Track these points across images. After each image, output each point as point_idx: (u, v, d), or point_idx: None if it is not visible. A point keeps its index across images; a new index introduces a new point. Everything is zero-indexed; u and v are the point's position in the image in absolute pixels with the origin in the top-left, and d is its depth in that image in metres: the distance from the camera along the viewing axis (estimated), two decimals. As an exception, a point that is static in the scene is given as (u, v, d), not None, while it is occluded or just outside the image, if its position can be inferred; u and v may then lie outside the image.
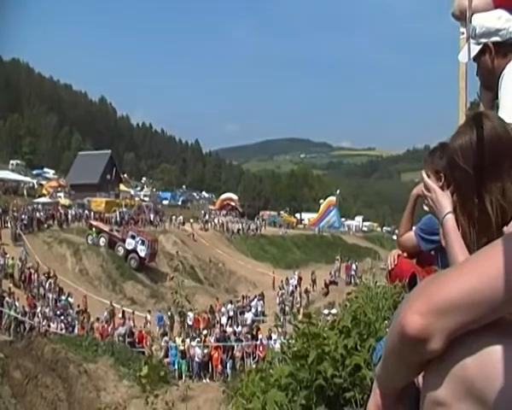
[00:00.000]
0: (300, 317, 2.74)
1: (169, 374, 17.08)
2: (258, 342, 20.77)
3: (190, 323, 25.75)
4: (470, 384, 0.80)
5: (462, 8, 2.46)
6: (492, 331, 0.82)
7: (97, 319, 25.93)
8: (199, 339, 21.83)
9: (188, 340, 21.71)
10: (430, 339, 0.82)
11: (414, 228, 3.05)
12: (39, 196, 53.35)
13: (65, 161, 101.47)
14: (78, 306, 28.17)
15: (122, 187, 72.60)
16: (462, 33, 2.56)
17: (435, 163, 3.01)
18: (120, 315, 26.30)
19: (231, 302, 30.11)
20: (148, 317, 27.10)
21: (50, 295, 28.87)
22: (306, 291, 33.99)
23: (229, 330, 24.13)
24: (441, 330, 0.81)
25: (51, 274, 31.12)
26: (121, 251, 37.99)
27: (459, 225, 1.43)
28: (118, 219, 46.43)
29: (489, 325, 0.82)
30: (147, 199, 67.18)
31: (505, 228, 1.26)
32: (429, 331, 0.81)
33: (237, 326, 25.32)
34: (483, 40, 2.19)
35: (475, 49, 2.20)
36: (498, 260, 0.82)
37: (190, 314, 26.03)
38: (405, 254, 3.05)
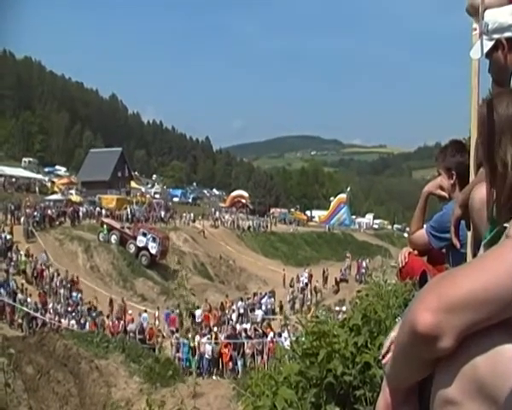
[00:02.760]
0: (310, 315, 2.74)
1: (180, 371, 17.15)
2: (269, 339, 20.76)
3: (199, 320, 25.84)
4: (481, 383, 0.80)
5: (475, 3, 2.44)
6: (503, 330, 0.82)
7: (107, 317, 26.10)
8: (209, 336, 21.87)
9: (197, 337, 21.76)
10: (441, 337, 0.81)
11: (425, 226, 3.04)
12: (51, 194, 53.75)
13: (76, 159, 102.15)
14: (89, 302, 28.39)
15: (133, 184, 72.86)
16: (475, 29, 2.53)
17: (447, 161, 2.99)
18: (130, 311, 26.47)
19: (241, 299, 30.15)
20: (157, 313, 27.24)
21: (62, 292, 29.10)
22: (315, 289, 33.95)
23: (239, 327, 24.16)
24: (452, 327, 0.81)
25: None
26: (132, 248, 38.17)
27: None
28: (129, 216, 46.64)
29: (500, 324, 0.82)
30: (157, 196, 67.39)
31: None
32: (440, 329, 0.81)
33: (247, 323, 25.35)
34: (496, 36, 2.17)
35: (488, 45, 2.18)
36: (506, 260, 0.82)
37: (198, 311, 26.19)
38: (416, 252, 3.04)
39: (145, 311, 26.65)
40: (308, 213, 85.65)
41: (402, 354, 0.90)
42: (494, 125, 1.37)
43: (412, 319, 0.83)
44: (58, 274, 30.91)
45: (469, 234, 2.09)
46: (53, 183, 62.55)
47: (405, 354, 0.89)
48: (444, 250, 2.92)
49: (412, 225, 3.10)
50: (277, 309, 30.94)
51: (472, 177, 2.20)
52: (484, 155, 1.42)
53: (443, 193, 2.99)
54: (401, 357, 0.91)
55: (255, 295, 33.38)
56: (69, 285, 30.15)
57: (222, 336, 22.23)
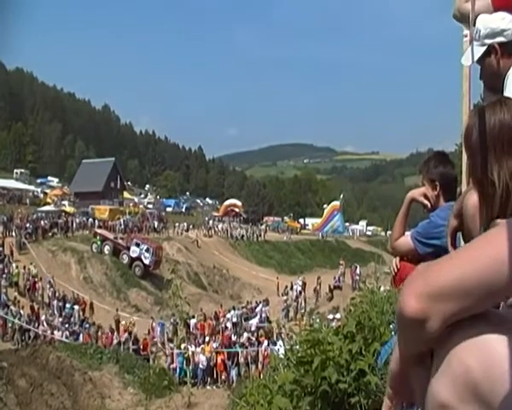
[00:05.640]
0: (304, 324, 2.73)
1: (174, 381, 17.05)
2: (263, 348, 20.71)
3: (194, 330, 25.74)
4: (475, 386, 0.81)
5: (463, 10, 2.45)
6: (497, 333, 0.82)
7: (99, 328, 25.89)
8: (203, 346, 21.79)
9: (192, 346, 21.67)
10: (427, 321, 0.84)
11: (408, 232, 3.04)
12: (43, 205, 53.55)
13: (69, 170, 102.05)
14: (84, 311, 28.25)
15: (126, 194, 72.71)
16: (465, 36, 2.55)
17: (430, 172, 3.03)
18: (124, 322, 26.32)
19: (234, 308, 30.07)
20: (153, 324, 27.12)
21: (55, 303, 28.89)
22: (305, 300, 33.93)
23: (233, 336, 24.10)
24: (438, 312, 0.84)
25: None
26: (126, 259, 38.04)
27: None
28: (122, 226, 46.50)
29: (493, 326, 0.83)
30: (151, 206, 67.29)
31: (498, 220, 1.28)
32: (425, 313, 0.84)
33: (242, 332, 25.27)
34: (488, 41, 2.18)
35: (480, 50, 2.20)
36: (494, 248, 0.84)
37: (193, 321, 26.09)
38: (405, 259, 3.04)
39: (133, 325, 26.52)
40: (301, 221, 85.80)
41: (400, 333, 0.93)
42: (478, 143, 1.38)
43: (400, 304, 0.87)
44: (51, 286, 30.70)
45: (462, 242, 2.09)
46: (45, 194, 62.35)
47: (401, 333, 0.93)
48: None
49: (394, 232, 3.10)
50: (272, 318, 30.88)
51: (464, 182, 2.21)
52: (472, 173, 1.44)
53: (426, 201, 3.00)
54: (400, 335, 0.94)
55: (248, 303, 33.37)
56: (61, 296, 29.79)
57: (215, 345, 22.13)
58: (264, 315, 30.20)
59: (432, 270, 0.86)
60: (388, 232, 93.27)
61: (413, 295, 0.84)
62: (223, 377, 20.91)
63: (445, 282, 0.84)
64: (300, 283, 35.61)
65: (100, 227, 44.36)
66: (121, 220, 47.77)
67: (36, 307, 27.98)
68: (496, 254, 0.82)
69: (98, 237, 39.15)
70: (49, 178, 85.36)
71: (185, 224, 55.06)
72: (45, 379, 14.96)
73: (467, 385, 0.81)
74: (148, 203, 71.15)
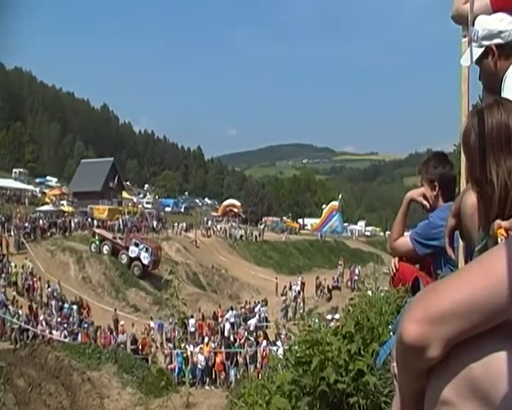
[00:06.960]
0: (302, 324, 2.73)
1: (173, 381, 17.05)
2: (261, 348, 20.70)
3: (193, 329, 25.72)
4: (475, 384, 0.81)
5: (461, 11, 2.45)
6: (497, 334, 0.83)
7: (98, 328, 25.85)
8: (202, 345, 21.77)
9: (191, 346, 21.65)
10: (427, 347, 0.84)
11: (408, 233, 3.04)
12: (42, 205, 53.49)
13: (68, 169, 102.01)
14: (82, 312, 28.17)
15: (125, 194, 72.65)
16: (464, 36, 2.55)
17: (429, 173, 3.03)
18: (122, 322, 26.29)
19: (232, 308, 30.08)
20: (151, 324, 27.10)
21: (53, 303, 28.85)
22: (303, 301, 33.98)
23: (232, 336, 24.08)
24: (438, 338, 0.83)
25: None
26: (125, 259, 38.00)
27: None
28: (121, 226, 46.48)
29: (494, 328, 0.83)
30: (149, 206, 67.29)
31: (497, 221, 1.28)
32: (426, 340, 0.83)
33: (241, 332, 25.24)
34: (485, 43, 2.18)
35: (477, 52, 2.20)
36: (493, 269, 0.83)
37: (192, 321, 26.07)
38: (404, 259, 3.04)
39: (132, 325, 26.45)
40: (300, 221, 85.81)
41: (400, 364, 0.93)
42: (477, 144, 1.39)
43: (400, 331, 0.86)
44: (48, 286, 30.66)
45: (460, 241, 2.09)
46: (44, 194, 62.30)
47: (401, 364, 0.92)
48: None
49: (394, 232, 3.10)
50: (270, 318, 30.91)
51: (463, 182, 2.21)
52: (470, 173, 1.44)
53: (425, 202, 3.01)
54: (400, 367, 0.93)
55: (246, 303, 33.35)
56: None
57: (213, 345, 22.11)
58: (262, 315, 30.21)
59: (430, 295, 0.86)
60: (387, 233, 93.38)
61: (412, 321, 0.84)
62: (221, 377, 20.90)
63: (445, 306, 0.83)
64: (299, 283, 35.64)
65: (99, 227, 44.32)
66: (120, 220, 47.73)
67: (34, 306, 27.93)
68: (495, 276, 0.82)
69: (97, 237, 39.09)
70: (48, 177, 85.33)
71: (184, 224, 55.06)
72: (44, 379, 14.97)
73: (468, 382, 0.82)
74: (147, 203, 71.15)
